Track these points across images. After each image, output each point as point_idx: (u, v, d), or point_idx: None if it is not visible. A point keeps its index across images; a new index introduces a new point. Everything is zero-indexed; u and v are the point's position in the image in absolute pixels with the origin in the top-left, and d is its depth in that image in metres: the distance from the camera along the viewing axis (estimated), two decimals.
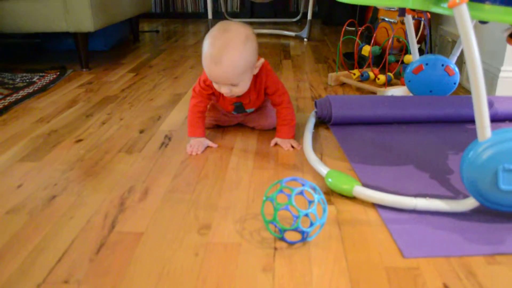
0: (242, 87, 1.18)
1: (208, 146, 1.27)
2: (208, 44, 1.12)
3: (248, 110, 1.34)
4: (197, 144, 1.25)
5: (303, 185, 0.83)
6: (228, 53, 1.09)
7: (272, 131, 1.36)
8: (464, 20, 0.81)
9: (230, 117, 1.39)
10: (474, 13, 0.86)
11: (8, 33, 2.14)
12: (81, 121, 1.49)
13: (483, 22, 1.21)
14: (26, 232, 0.88)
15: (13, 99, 1.69)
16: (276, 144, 1.28)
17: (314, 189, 0.84)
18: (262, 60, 1.20)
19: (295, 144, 1.26)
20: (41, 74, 2.07)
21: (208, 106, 1.35)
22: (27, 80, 1.96)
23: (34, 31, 2.12)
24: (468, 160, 0.86)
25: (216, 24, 1.16)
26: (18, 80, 1.97)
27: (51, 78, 1.99)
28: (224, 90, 1.17)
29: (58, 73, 2.09)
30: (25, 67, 2.23)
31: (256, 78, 1.23)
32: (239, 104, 1.29)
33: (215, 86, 1.19)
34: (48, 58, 2.48)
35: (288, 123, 1.28)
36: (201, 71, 2.13)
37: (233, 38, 1.11)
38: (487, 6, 0.86)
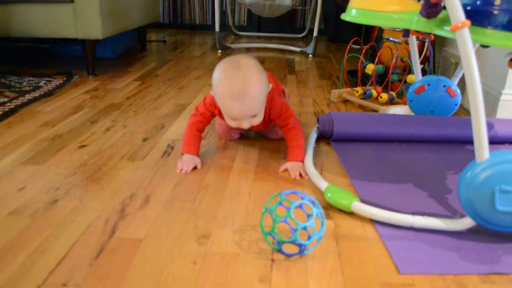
0: (260, 116, 1.20)
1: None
2: (224, 83, 1.14)
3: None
4: (188, 160, 1.22)
5: (302, 198, 0.85)
6: (250, 88, 1.12)
7: (275, 142, 1.38)
8: (466, 43, 0.83)
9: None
10: (475, 37, 0.88)
11: (17, 37, 2.17)
12: (85, 127, 1.51)
13: (484, 46, 1.23)
14: (27, 234, 0.89)
15: (19, 103, 1.71)
16: (285, 169, 1.23)
17: (313, 202, 0.85)
18: (271, 85, 1.23)
19: (303, 173, 1.20)
20: (47, 79, 2.10)
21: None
22: (34, 84, 1.98)
23: (43, 36, 2.15)
24: (465, 180, 0.87)
25: (222, 61, 1.19)
26: (25, 83, 1.99)
27: (58, 83, 2.02)
28: (246, 126, 1.19)
29: (65, 78, 2.11)
30: (32, 71, 2.25)
31: None
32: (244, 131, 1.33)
33: (232, 123, 1.20)
34: (56, 63, 2.50)
35: (296, 143, 1.26)
36: (206, 82, 2.17)
37: (249, 73, 1.13)
38: (489, 31, 0.88)
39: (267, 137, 1.45)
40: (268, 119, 1.29)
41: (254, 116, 1.18)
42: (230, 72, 1.14)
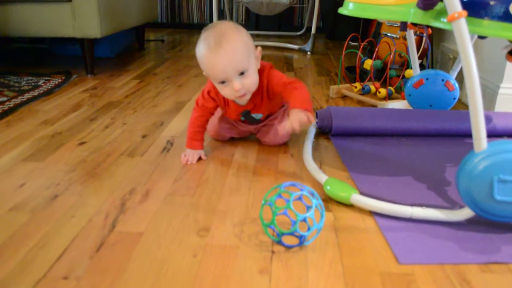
0: (252, 76, 1.14)
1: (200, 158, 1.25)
2: (202, 44, 1.11)
3: (257, 117, 1.30)
4: (192, 153, 1.24)
5: (301, 190, 0.85)
6: (226, 37, 1.08)
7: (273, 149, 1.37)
8: (463, 33, 0.83)
9: (242, 127, 1.36)
10: (472, 28, 0.88)
11: (15, 36, 2.17)
12: (84, 124, 1.51)
13: (482, 37, 1.23)
14: (28, 229, 0.90)
15: (18, 101, 1.72)
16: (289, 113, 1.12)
17: (312, 194, 0.85)
18: (259, 48, 1.19)
19: (306, 118, 1.07)
20: (46, 78, 2.10)
21: (218, 117, 1.35)
22: (33, 84, 1.98)
23: (41, 36, 2.15)
24: (464, 171, 0.87)
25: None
26: (23, 83, 1.99)
27: (56, 82, 2.02)
28: (237, 86, 1.10)
29: (64, 77, 2.12)
30: (31, 71, 2.26)
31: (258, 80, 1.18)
32: (246, 112, 1.28)
33: (225, 92, 1.15)
34: (54, 63, 2.51)
35: (301, 93, 1.14)
36: (205, 80, 2.17)
37: (225, 27, 1.12)
38: (486, 22, 0.89)
39: (263, 142, 1.36)
40: (267, 95, 1.23)
41: (243, 74, 1.11)
42: (207, 32, 1.12)
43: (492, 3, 0.87)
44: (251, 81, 1.14)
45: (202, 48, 1.10)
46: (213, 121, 1.35)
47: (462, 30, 0.83)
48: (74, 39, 2.15)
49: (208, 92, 1.24)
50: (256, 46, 1.19)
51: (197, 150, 1.25)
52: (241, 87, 1.11)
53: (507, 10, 0.86)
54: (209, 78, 1.17)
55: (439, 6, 0.96)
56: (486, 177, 0.85)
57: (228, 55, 1.08)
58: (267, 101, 1.26)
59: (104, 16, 2.12)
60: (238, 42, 1.10)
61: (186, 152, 1.25)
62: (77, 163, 1.21)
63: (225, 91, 1.15)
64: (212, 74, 1.13)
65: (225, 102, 1.27)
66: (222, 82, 1.13)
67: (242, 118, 1.31)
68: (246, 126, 1.36)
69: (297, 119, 1.07)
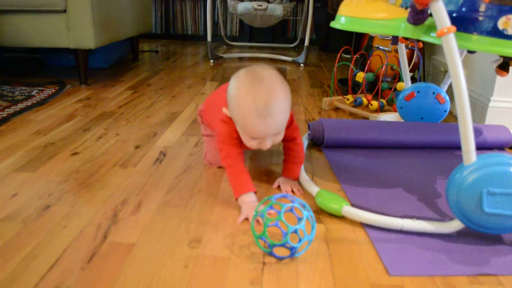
0: (282, 134, 1.06)
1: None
2: (245, 101, 0.98)
3: None
4: (249, 209, 1.01)
5: (292, 202, 0.86)
6: (278, 102, 0.97)
7: (266, 151, 1.37)
8: (452, 48, 0.85)
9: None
10: (462, 43, 0.90)
11: (9, 46, 2.17)
12: (77, 135, 1.51)
13: (471, 52, 1.25)
14: (19, 239, 0.90)
15: (12, 111, 1.72)
16: (278, 186, 1.16)
17: (303, 206, 0.86)
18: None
19: (295, 189, 1.14)
20: (40, 88, 2.10)
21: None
22: (26, 94, 1.98)
23: (35, 46, 2.16)
24: (453, 183, 0.88)
25: (237, 73, 1.03)
26: (17, 93, 1.99)
27: (50, 93, 2.02)
28: (267, 145, 1.03)
29: (57, 88, 2.12)
30: (24, 81, 2.26)
31: None
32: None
33: (252, 144, 1.04)
34: (48, 73, 2.51)
35: (299, 162, 1.18)
36: (198, 92, 2.18)
37: (274, 84, 0.99)
38: (474, 37, 0.90)
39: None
40: None
41: (277, 134, 1.04)
42: (252, 85, 0.98)
43: (480, 18, 0.89)
44: (280, 138, 1.06)
45: (247, 107, 0.97)
46: (213, 156, 1.26)
47: (451, 44, 0.85)
48: (68, 49, 2.15)
49: (230, 136, 1.08)
50: None
51: (251, 196, 1.05)
52: (271, 145, 1.05)
53: (495, 26, 0.88)
54: (238, 127, 1.05)
55: (429, 21, 0.98)
56: (475, 190, 0.86)
57: (275, 123, 0.99)
58: None
59: (99, 27, 2.13)
60: (286, 106, 1.00)
61: (244, 210, 1.01)
62: (70, 173, 1.21)
63: (251, 144, 1.04)
64: (248, 132, 1.02)
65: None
66: (252, 138, 1.04)
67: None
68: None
69: (288, 186, 1.16)
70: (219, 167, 1.27)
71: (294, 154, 1.17)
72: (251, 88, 0.98)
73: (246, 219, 0.99)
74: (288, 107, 1.02)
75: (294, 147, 1.17)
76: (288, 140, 1.15)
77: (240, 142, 1.09)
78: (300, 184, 1.17)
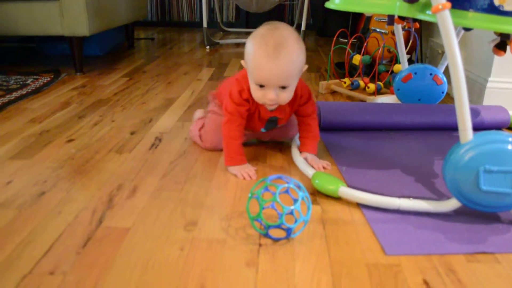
0: (289, 92, 1.07)
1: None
2: (258, 42, 1.03)
3: (277, 124, 1.23)
4: (245, 168, 1.13)
5: (287, 182, 0.85)
6: (287, 48, 1.01)
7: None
8: (447, 25, 0.83)
9: (252, 135, 1.31)
10: (457, 20, 0.88)
11: (3, 36, 2.15)
12: (73, 122, 1.50)
13: (467, 29, 1.24)
14: (14, 225, 0.89)
15: (6, 100, 1.70)
16: (306, 158, 1.17)
17: (298, 187, 0.85)
18: (306, 65, 1.11)
19: (325, 164, 1.18)
20: (35, 77, 2.08)
21: (214, 128, 1.23)
22: (21, 83, 1.97)
23: (29, 34, 2.14)
24: (450, 162, 0.88)
25: (260, 27, 1.08)
26: (12, 82, 1.98)
27: (45, 81, 2.01)
28: (271, 96, 1.04)
29: (52, 76, 2.10)
30: (19, 70, 2.24)
31: None
32: (274, 119, 1.19)
33: (258, 95, 1.07)
34: (43, 62, 2.49)
35: (315, 136, 1.20)
36: (194, 78, 2.17)
37: (288, 35, 1.04)
38: (470, 14, 0.89)
39: (270, 139, 1.33)
40: (293, 107, 1.18)
41: (284, 88, 1.05)
42: (268, 31, 1.04)
43: None
44: (287, 96, 1.07)
45: (258, 47, 1.03)
46: (211, 133, 1.26)
47: (446, 21, 0.83)
48: (63, 37, 2.13)
49: (240, 92, 1.12)
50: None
51: (245, 164, 1.15)
52: (275, 98, 1.05)
53: (491, 2, 0.86)
54: (249, 74, 1.08)
55: None
56: (472, 168, 0.85)
57: (280, 68, 1.02)
58: (291, 112, 1.21)
59: (93, 14, 2.11)
60: (295, 58, 1.03)
61: (234, 169, 1.13)
62: (65, 160, 1.20)
63: (257, 94, 1.07)
64: (255, 75, 1.05)
65: (257, 105, 1.15)
66: (260, 86, 1.06)
67: (263, 130, 1.23)
68: (254, 135, 1.30)
69: (320, 164, 1.17)
70: (214, 151, 1.27)
71: (311, 129, 1.20)
72: (266, 34, 1.04)
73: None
74: (298, 60, 1.04)
75: (310, 121, 1.20)
76: (305, 115, 1.19)
77: (245, 115, 1.14)
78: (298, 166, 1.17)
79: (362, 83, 1.87)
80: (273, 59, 1.01)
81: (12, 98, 1.74)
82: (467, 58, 1.86)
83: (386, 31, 2.15)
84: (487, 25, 0.88)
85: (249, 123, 1.19)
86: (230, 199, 1.01)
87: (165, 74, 2.25)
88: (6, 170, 1.14)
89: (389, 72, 1.91)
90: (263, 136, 1.31)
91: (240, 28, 3.93)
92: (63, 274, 0.75)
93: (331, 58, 1.93)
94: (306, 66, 1.11)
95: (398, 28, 1.59)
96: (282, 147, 1.31)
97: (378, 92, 1.81)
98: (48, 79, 2.05)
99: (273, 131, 1.28)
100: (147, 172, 1.13)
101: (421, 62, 2.29)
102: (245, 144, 1.25)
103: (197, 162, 1.20)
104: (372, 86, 1.81)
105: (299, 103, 1.17)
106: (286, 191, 0.86)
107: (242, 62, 1.11)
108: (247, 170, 1.13)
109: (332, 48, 1.90)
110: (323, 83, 1.93)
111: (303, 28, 2.97)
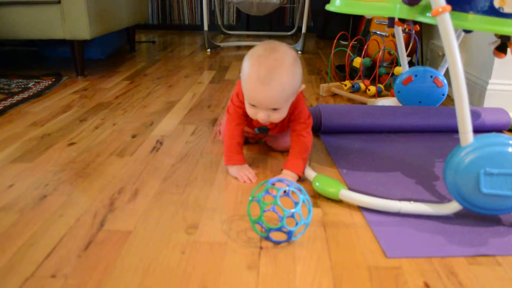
0: (281, 113, 1.07)
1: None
2: (253, 64, 1.02)
3: (270, 134, 1.26)
4: (243, 169, 1.14)
5: (288, 186, 0.85)
6: (279, 74, 1.00)
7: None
8: (447, 28, 0.84)
9: (251, 133, 1.31)
10: (458, 22, 0.89)
11: (5, 39, 2.16)
12: (74, 125, 1.51)
13: (467, 31, 1.24)
14: (16, 228, 0.89)
15: (8, 104, 1.71)
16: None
17: (299, 189, 0.86)
18: (303, 86, 1.11)
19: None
20: (36, 80, 2.09)
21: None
22: (23, 86, 1.98)
23: (31, 38, 2.14)
24: (450, 164, 0.88)
25: (259, 44, 1.07)
26: (13, 85, 1.98)
27: (46, 84, 2.01)
28: (262, 116, 1.05)
29: (54, 79, 2.11)
30: (21, 73, 2.24)
31: None
32: (264, 128, 1.21)
33: (250, 112, 1.08)
34: (44, 65, 2.50)
35: (301, 155, 1.13)
36: (195, 80, 2.17)
37: (283, 60, 1.02)
38: (471, 16, 0.89)
39: (273, 148, 1.32)
40: (287, 123, 1.17)
41: (275, 110, 1.05)
42: (263, 53, 1.03)
43: None
44: (279, 117, 1.07)
45: (251, 70, 1.02)
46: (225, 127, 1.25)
47: (446, 24, 0.84)
48: (64, 41, 2.14)
49: (238, 95, 1.14)
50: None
51: (244, 165, 1.16)
52: (265, 118, 1.05)
53: (491, 4, 0.87)
54: (243, 91, 1.09)
55: (424, 1, 0.97)
56: (473, 171, 0.86)
57: (271, 93, 1.01)
58: (285, 127, 1.20)
59: (94, 18, 2.12)
60: (287, 85, 1.02)
61: (234, 171, 1.14)
62: (67, 163, 1.20)
63: (250, 111, 1.09)
64: (247, 96, 1.06)
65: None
66: (252, 104, 1.07)
67: (257, 130, 1.24)
68: (257, 134, 1.30)
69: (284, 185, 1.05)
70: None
71: (299, 145, 1.14)
72: (262, 55, 1.03)
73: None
74: (290, 85, 1.03)
75: (299, 139, 1.14)
76: (293, 130, 1.15)
77: (245, 118, 1.15)
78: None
79: (362, 86, 1.87)
80: (264, 85, 1.00)
81: (14, 101, 1.74)
82: (467, 61, 1.87)
83: (387, 34, 2.15)
84: (487, 27, 0.88)
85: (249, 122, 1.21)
86: (231, 202, 1.01)
87: (166, 77, 2.25)
88: (8, 173, 1.14)
89: (390, 74, 1.91)
90: (265, 137, 1.33)
91: (241, 31, 3.93)
92: (65, 277, 0.75)
93: (331, 60, 1.93)
94: (303, 86, 1.10)
95: (399, 31, 1.59)
96: (283, 150, 1.31)
97: (378, 94, 1.82)
98: (50, 82, 2.06)
99: (269, 137, 1.30)
100: (148, 175, 1.14)
101: (422, 64, 2.29)
102: (247, 146, 1.25)
103: (198, 165, 1.20)
104: (372, 89, 1.81)
105: (290, 118, 1.15)
106: (287, 194, 0.86)
107: (241, 75, 1.10)
108: (246, 173, 1.13)
109: (333, 51, 1.90)
110: (323, 86, 1.93)
111: (303, 31, 2.98)
